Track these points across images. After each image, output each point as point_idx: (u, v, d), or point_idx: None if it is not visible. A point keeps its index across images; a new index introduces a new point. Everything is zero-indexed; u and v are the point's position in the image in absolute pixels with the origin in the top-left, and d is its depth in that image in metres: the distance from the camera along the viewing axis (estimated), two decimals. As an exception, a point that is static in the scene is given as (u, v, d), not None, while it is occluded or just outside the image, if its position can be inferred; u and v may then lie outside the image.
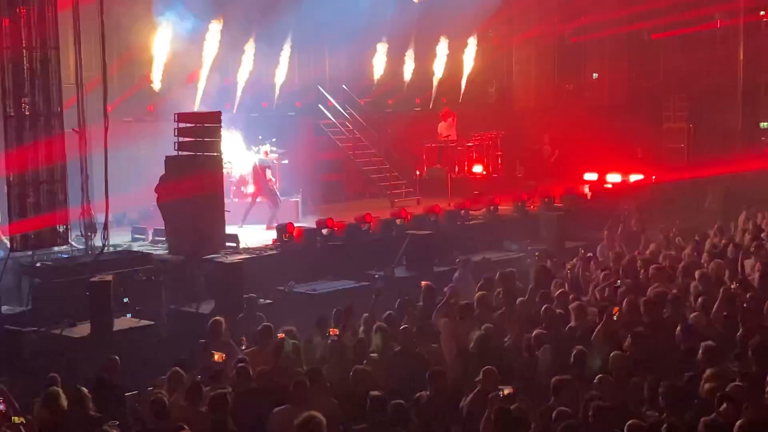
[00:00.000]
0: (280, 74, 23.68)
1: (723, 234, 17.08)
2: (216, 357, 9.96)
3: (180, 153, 16.61)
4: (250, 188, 20.17)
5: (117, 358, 10.35)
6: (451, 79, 26.99)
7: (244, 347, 11.46)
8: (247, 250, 16.57)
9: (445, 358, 10.70)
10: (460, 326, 11.17)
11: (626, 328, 10.83)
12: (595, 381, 8.93)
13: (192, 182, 16.21)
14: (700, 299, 11.72)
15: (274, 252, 16.68)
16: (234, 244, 16.75)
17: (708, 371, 9.17)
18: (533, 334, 10.59)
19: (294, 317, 14.26)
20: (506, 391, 8.49)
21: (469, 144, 25.61)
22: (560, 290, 12.68)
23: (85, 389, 9.10)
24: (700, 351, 9.61)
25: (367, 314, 12.02)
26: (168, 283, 15.11)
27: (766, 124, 30.28)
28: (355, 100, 25.07)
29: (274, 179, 20.24)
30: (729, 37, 28.22)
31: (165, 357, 11.08)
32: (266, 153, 20.48)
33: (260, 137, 20.97)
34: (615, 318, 11.12)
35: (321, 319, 11.80)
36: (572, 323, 11.38)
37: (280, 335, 10.63)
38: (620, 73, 28.50)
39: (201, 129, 16.81)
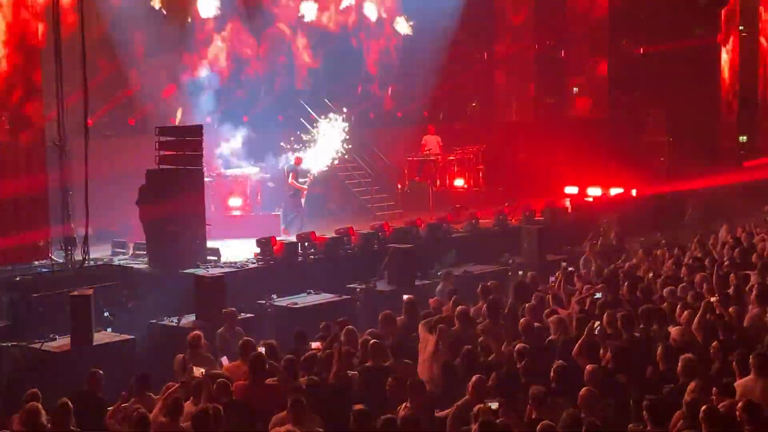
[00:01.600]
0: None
1: (703, 247, 17.15)
2: (196, 372, 9.90)
3: (161, 167, 16.57)
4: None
5: (101, 371, 10.29)
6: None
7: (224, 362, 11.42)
8: (228, 263, 16.53)
9: (424, 373, 10.67)
10: (443, 339, 11.14)
11: (607, 341, 10.85)
12: (580, 394, 8.92)
13: (173, 196, 16.17)
14: (685, 313, 11.75)
15: (255, 266, 16.64)
16: (215, 257, 16.70)
17: (691, 384, 9.21)
18: (515, 347, 10.59)
19: (275, 331, 14.30)
20: (493, 406, 8.48)
21: (451, 158, 25.67)
22: (541, 304, 12.70)
23: (70, 404, 9.02)
24: (680, 364, 9.64)
25: (350, 327, 11.98)
26: (148, 297, 15.04)
27: (744, 138, 30.58)
28: (336, 113, 25.03)
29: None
30: (708, 51, 28.49)
31: (145, 371, 11.00)
32: (298, 159, 20.92)
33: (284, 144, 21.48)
34: (596, 332, 11.13)
35: (299, 333, 11.75)
36: (552, 336, 11.40)
37: (260, 349, 10.58)
38: (600, 87, 28.63)
39: (182, 143, 16.79)
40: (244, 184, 21.11)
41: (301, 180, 20.86)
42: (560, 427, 8.15)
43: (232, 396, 9.57)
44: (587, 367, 9.69)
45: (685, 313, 11.74)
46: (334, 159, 21.98)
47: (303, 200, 20.88)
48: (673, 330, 11.34)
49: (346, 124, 22.26)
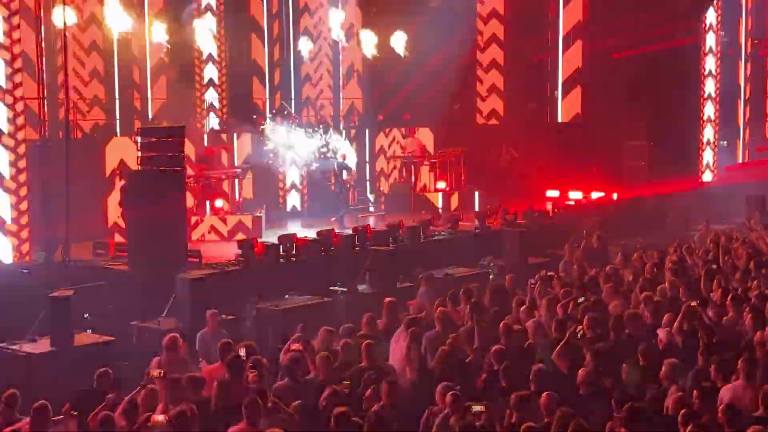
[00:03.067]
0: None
1: (683, 250, 17.20)
2: (155, 373, 9.83)
3: (142, 167, 16.50)
4: None
5: (110, 369, 10.29)
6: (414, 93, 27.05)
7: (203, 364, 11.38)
8: (209, 265, 16.47)
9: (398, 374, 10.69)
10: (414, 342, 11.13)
11: (587, 345, 10.87)
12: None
13: (155, 197, 16.11)
14: (666, 317, 11.78)
15: (236, 268, 16.59)
16: (196, 260, 16.64)
17: (672, 388, 9.23)
18: (492, 350, 10.59)
19: (257, 333, 14.27)
20: (477, 408, 8.50)
21: (433, 161, 25.66)
22: (520, 307, 12.71)
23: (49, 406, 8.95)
24: (663, 368, 9.66)
25: (330, 329, 11.97)
26: (129, 299, 14.96)
27: (725, 143, 30.73)
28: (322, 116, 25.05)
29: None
30: (689, 56, 28.59)
31: (127, 373, 10.96)
32: (344, 156, 21.64)
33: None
34: (579, 335, 11.15)
35: (281, 336, 11.74)
36: (530, 340, 11.41)
37: (240, 351, 10.54)
38: (581, 91, 28.68)
39: (164, 143, 16.72)
40: (227, 185, 21.06)
41: (347, 176, 21.88)
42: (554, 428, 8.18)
43: (209, 398, 9.53)
44: (580, 371, 9.71)
45: (666, 316, 11.78)
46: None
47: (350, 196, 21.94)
48: (657, 332, 11.37)
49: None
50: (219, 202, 20.66)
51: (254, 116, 23.14)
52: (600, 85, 28.05)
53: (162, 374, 9.69)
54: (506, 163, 27.91)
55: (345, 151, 22.29)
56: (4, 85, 16.66)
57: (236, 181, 21.30)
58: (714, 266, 15.22)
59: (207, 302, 14.00)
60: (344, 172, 22.16)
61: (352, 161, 22.97)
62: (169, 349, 11.24)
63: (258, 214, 20.80)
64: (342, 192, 21.99)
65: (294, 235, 17.59)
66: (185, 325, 13.70)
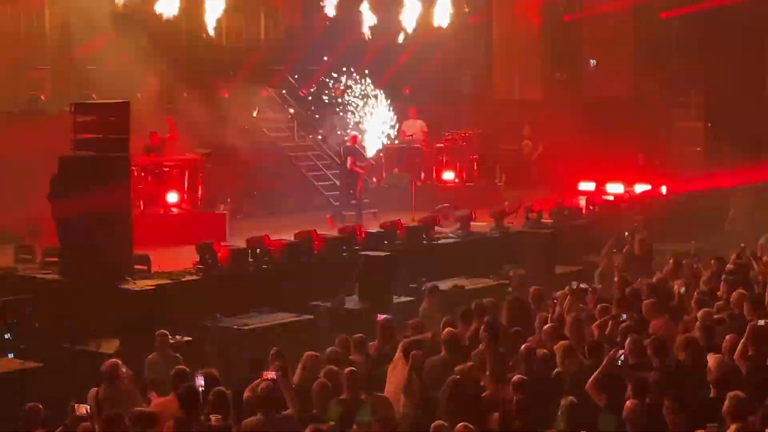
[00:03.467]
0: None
1: (747, 257, 17.25)
2: (79, 410, 9.85)
3: (78, 153, 16.50)
4: None
5: (39, 405, 10.32)
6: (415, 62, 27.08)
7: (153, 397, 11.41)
8: (161, 274, 16.51)
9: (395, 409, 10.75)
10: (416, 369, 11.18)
11: (630, 374, 10.90)
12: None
13: (93, 189, 16.10)
14: (727, 338, 11.81)
15: (194, 277, 16.62)
16: (144, 267, 16.66)
17: (732, 427, 9.26)
18: (512, 380, 10.63)
19: (219, 358, 14.29)
20: None
21: (439, 145, 25.71)
22: (545, 327, 12.75)
23: None
24: (726, 403, 9.68)
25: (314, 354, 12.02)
26: (62, 316, 14.97)
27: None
28: (296, 89, 25.08)
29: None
30: (757, 14, 28.57)
31: (56, 405, 10.97)
32: (354, 138, 22.18)
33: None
34: (620, 362, 11.19)
35: (255, 361, 11.77)
36: (558, 368, 11.45)
37: (197, 380, 10.57)
38: (623, 61, 28.75)
39: (105, 123, 16.73)
40: (181, 176, 21.08)
41: (358, 164, 22.17)
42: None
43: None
44: (627, 403, 9.75)
45: (727, 338, 11.81)
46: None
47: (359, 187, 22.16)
48: (711, 359, 11.40)
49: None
50: (172, 196, 20.65)
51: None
52: (646, 52, 28.10)
53: (90, 411, 9.72)
54: (529, 150, 27.99)
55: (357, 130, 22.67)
56: None
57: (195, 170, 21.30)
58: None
59: (158, 320, 14.01)
60: (349, 159, 22.44)
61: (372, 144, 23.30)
62: (109, 378, 11.26)
63: (221, 211, 20.84)
64: (350, 183, 22.23)
65: (265, 237, 17.61)
66: (130, 349, 13.69)
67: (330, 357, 11.92)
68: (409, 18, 26.44)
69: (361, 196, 22.41)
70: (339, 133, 24.89)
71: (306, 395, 10.65)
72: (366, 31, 26.11)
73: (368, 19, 26.07)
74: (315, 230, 18.39)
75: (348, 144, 22.74)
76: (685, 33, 27.80)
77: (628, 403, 9.82)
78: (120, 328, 14.54)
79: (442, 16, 27.07)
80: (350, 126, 23.73)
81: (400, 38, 26.42)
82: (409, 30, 26.42)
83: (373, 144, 24.07)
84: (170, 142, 21.57)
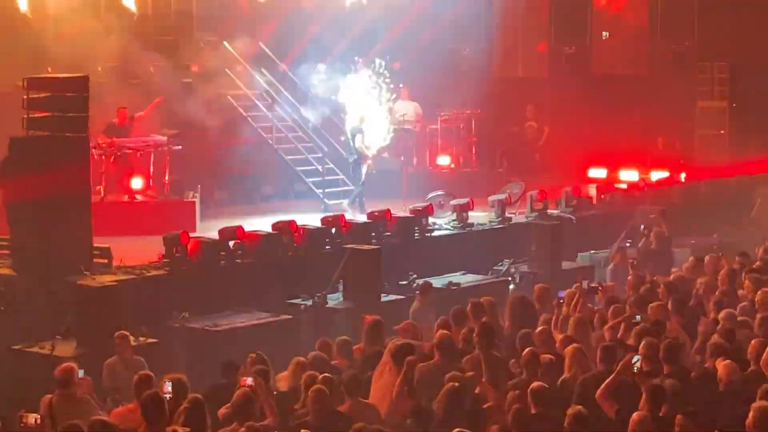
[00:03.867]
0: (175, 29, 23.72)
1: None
2: (28, 420, 9.82)
3: (31, 133, 16.46)
4: None
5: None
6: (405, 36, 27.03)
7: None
8: (123, 268, 16.49)
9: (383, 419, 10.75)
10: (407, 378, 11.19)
11: (644, 380, 10.93)
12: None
13: (48, 174, 16.07)
14: (752, 343, 11.82)
15: (160, 272, 16.61)
16: (105, 260, 16.64)
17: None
18: (530, 388, 10.63)
19: (188, 362, 14.27)
20: None
21: (433, 127, 25.70)
22: (548, 329, 12.76)
23: None
24: (751, 414, 9.69)
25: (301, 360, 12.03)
26: (12, 314, 14.94)
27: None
28: (275, 62, 25.03)
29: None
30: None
31: (3, 415, 10.95)
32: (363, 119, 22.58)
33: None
34: (636, 369, 11.21)
35: (228, 365, 11.76)
36: (566, 374, 11.46)
37: (164, 387, 10.55)
38: (639, 32, 28.76)
39: (61, 100, 16.68)
40: (146, 159, 21.05)
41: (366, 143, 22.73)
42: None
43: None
44: (634, 416, 9.76)
45: (753, 343, 11.82)
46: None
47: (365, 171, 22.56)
48: (720, 366, 11.39)
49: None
50: (136, 182, 20.62)
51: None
52: (662, 24, 28.09)
53: (41, 421, 9.69)
54: (533, 132, 27.98)
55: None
56: None
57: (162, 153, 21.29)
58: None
59: (119, 319, 13.99)
60: (358, 137, 22.77)
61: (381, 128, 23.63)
62: (63, 384, 11.23)
63: (190, 198, 20.82)
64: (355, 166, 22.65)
65: (239, 228, 17.58)
66: (89, 352, 13.67)
67: (312, 363, 11.94)
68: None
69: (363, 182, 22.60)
70: (328, 114, 24.94)
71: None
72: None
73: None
74: (295, 221, 18.36)
75: (357, 124, 22.81)
76: (707, 2, 27.79)
77: (634, 415, 9.83)
78: (77, 329, 14.48)
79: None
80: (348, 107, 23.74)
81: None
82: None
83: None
84: (139, 123, 21.53)
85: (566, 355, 11.76)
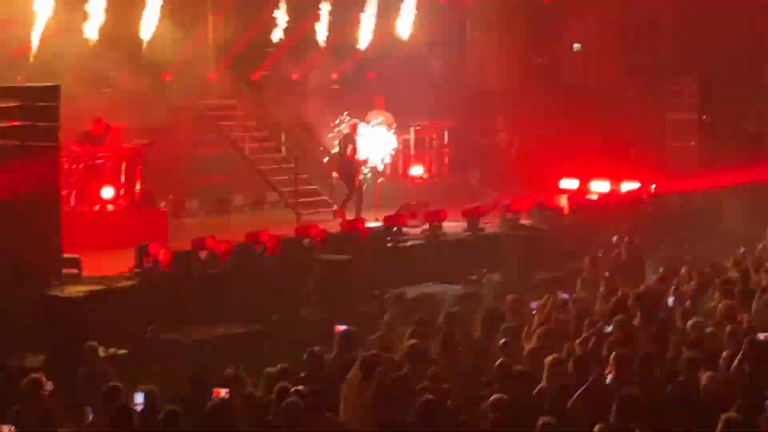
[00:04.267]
0: (145, 34, 23.55)
1: (746, 265, 17.33)
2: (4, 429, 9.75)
3: (1, 142, 16.38)
4: None
5: None
6: (381, 47, 27.04)
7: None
8: (93, 279, 16.40)
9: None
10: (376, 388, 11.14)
11: (615, 391, 10.91)
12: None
13: (18, 183, 15.99)
14: (723, 355, 11.84)
15: (131, 283, 16.52)
16: (75, 270, 16.55)
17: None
18: (490, 400, 10.60)
19: (159, 375, 14.17)
20: None
21: (406, 137, 25.69)
22: (501, 342, 12.75)
23: None
24: (720, 424, 9.69)
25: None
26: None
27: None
28: (247, 72, 25.00)
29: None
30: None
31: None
32: (354, 126, 22.67)
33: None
34: (608, 379, 11.21)
35: (197, 377, 11.69)
36: (543, 384, 11.43)
37: (135, 399, 10.49)
38: (610, 44, 28.82)
39: (31, 109, 16.59)
40: (117, 169, 20.97)
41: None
42: None
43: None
44: (596, 428, 9.74)
45: (724, 354, 11.84)
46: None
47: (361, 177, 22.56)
48: (706, 376, 11.42)
49: None
50: (107, 192, 20.52)
51: None
52: (635, 36, 28.16)
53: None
54: (505, 143, 28.02)
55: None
56: None
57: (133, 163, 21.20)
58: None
59: (89, 330, 13.90)
60: (349, 148, 22.73)
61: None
62: (27, 396, 11.14)
63: (162, 208, 20.74)
64: (350, 174, 22.74)
65: (211, 238, 17.52)
66: (58, 363, 13.56)
67: (280, 373, 11.89)
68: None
69: (361, 188, 22.64)
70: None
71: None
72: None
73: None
74: (267, 231, 18.32)
75: (348, 132, 22.79)
76: (679, 15, 27.87)
77: (596, 427, 9.79)
78: (46, 340, 14.40)
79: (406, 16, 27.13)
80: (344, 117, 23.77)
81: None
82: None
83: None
84: (114, 134, 21.44)
85: (545, 365, 11.73)
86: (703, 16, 27.45)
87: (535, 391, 11.36)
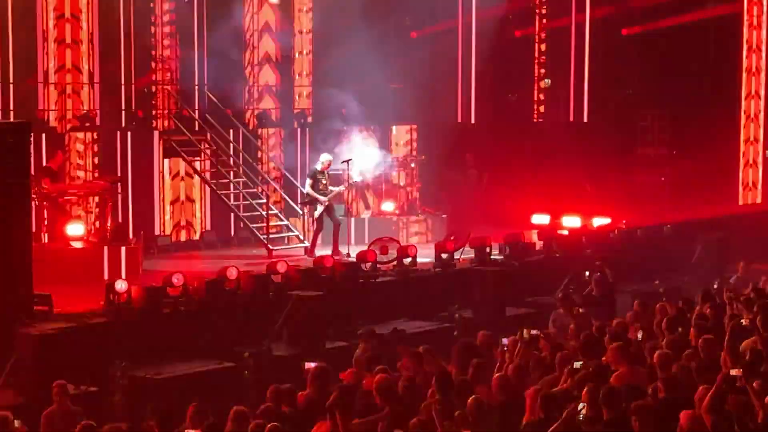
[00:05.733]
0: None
1: (720, 299, 17.36)
2: None
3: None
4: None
5: None
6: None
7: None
8: (64, 316, 16.32)
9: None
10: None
11: (589, 427, 10.93)
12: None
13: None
14: (700, 390, 11.84)
15: (102, 319, 16.45)
16: (46, 308, 16.46)
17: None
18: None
19: (130, 413, 14.12)
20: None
21: (378, 172, 25.71)
22: (495, 375, 12.74)
23: None
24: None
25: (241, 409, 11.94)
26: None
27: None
28: (221, 109, 25.02)
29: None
30: (727, 31, 28.96)
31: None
32: (326, 165, 22.70)
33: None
34: (581, 416, 11.21)
35: (164, 415, 11.63)
36: (528, 417, 11.41)
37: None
38: (581, 80, 28.99)
39: (1, 146, 16.53)
40: (87, 205, 20.93)
41: (331, 188, 22.72)
42: None
43: None
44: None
45: (700, 389, 11.85)
46: None
47: (317, 212, 22.68)
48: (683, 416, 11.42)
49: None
50: (75, 228, 20.45)
51: None
52: (605, 71, 28.35)
53: None
54: (474, 179, 28.08)
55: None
56: None
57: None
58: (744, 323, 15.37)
59: (59, 368, 13.83)
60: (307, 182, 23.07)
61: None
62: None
63: (133, 245, 20.69)
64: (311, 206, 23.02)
65: (183, 273, 17.47)
66: (28, 401, 13.49)
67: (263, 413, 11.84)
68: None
69: (320, 223, 22.83)
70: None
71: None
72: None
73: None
74: (237, 266, 18.29)
75: (316, 167, 22.87)
76: (648, 51, 28.07)
77: None
78: (17, 378, 14.30)
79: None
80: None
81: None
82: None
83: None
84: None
85: (527, 398, 11.72)
86: (671, 53, 27.70)
87: (524, 424, 11.37)
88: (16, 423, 11.29)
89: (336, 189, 22.82)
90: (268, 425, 10.92)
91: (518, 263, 21.33)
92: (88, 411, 12.59)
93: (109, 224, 21.20)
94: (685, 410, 11.31)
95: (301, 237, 23.72)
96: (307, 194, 22.77)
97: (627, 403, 11.47)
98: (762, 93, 29.81)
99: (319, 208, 22.59)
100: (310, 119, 27.08)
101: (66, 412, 12.57)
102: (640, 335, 15.14)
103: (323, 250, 21.61)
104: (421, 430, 11.10)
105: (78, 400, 13.28)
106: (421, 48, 28.12)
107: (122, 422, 11.41)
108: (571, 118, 28.98)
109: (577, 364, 12.97)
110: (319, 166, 22.79)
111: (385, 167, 25.54)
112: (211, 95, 24.89)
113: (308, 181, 22.80)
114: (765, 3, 29.61)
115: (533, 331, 14.80)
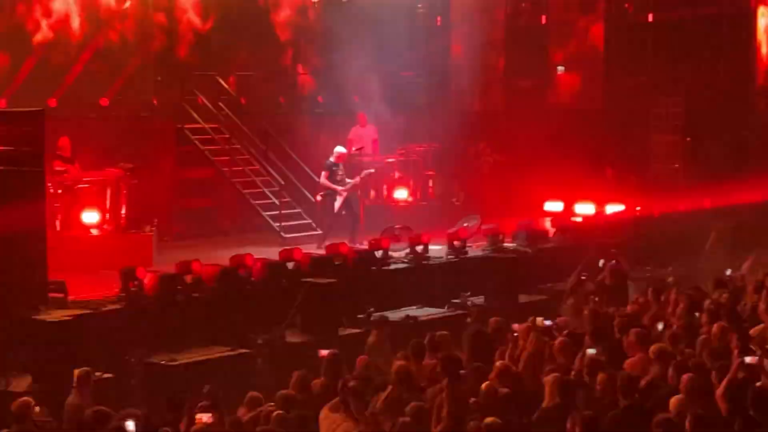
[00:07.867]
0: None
1: (733, 287, 17.41)
2: None
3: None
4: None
5: None
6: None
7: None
8: (79, 303, 16.43)
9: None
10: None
11: (601, 414, 11.01)
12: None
13: (3, 208, 16.01)
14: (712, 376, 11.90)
15: (116, 307, 16.57)
16: (61, 295, 16.57)
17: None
18: (484, 422, 10.67)
19: (145, 398, 14.25)
20: None
21: (390, 160, 25.77)
22: (505, 363, 12.83)
23: None
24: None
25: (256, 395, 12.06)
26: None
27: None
28: (233, 97, 25.08)
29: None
30: (741, 21, 28.90)
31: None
32: (339, 157, 22.80)
33: None
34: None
35: (173, 401, 11.75)
36: (546, 402, 11.48)
37: (127, 426, 10.55)
38: (595, 66, 28.98)
39: (16, 134, 16.64)
40: (102, 192, 21.01)
41: (347, 180, 22.64)
42: None
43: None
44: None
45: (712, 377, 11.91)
46: None
47: (337, 203, 22.54)
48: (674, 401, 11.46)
49: None
50: (90, 216, 20.55)
51: None
52: (619, 58, 28.31)
53: None
54: (489, 167, 28.10)
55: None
56: None
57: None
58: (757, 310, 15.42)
59: (75, 354, 13.94)
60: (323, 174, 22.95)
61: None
62: (19, 420, 11.19)
63: (147, 232, 20.79)
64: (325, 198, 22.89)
65: (197, 262, 17.58)
66: (44, 387, 13.64)
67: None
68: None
69: (334, 216, 22.85)
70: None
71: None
72: None
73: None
74: (251, 254, 18.38)
75: (332, 159, 22.87)
76: (664, 39, 28.04)
77: None
78: (32, 364, 14.44)
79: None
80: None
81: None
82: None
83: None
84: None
85: (546, 384, 11.78)
86: (686, 41, 27.64)
87: (541, 409, 11.44)
88: (36, 409, 11.42)
89: (352, 181, 22.84)
90: (275, 412, 11.01)
91: (531, 250, 21.40)
92: (103, 397, 12.69)
93: (123, 212, 21.29)
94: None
95: (314, 225, 23.76)
96: (325, 186, 22.81)
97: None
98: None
99: (338, 200, 22.62)
100: (320, 110, 27.14)
101: (85, 398, 12.62)
102: (660, 327, 15.15)
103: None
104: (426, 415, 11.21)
105: (93, 386, 13.39)
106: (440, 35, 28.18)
107: (137, 408, 11.50)
108: (585, 105, 28.96)
109: (590, 351, 13.08)
110: (333, 158, 22.80)
111: (396, 155, 25.64)
112: (223, 83, 24.97)
113: (324, 174, 22.82)
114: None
115: (546, 322, 14.88)
